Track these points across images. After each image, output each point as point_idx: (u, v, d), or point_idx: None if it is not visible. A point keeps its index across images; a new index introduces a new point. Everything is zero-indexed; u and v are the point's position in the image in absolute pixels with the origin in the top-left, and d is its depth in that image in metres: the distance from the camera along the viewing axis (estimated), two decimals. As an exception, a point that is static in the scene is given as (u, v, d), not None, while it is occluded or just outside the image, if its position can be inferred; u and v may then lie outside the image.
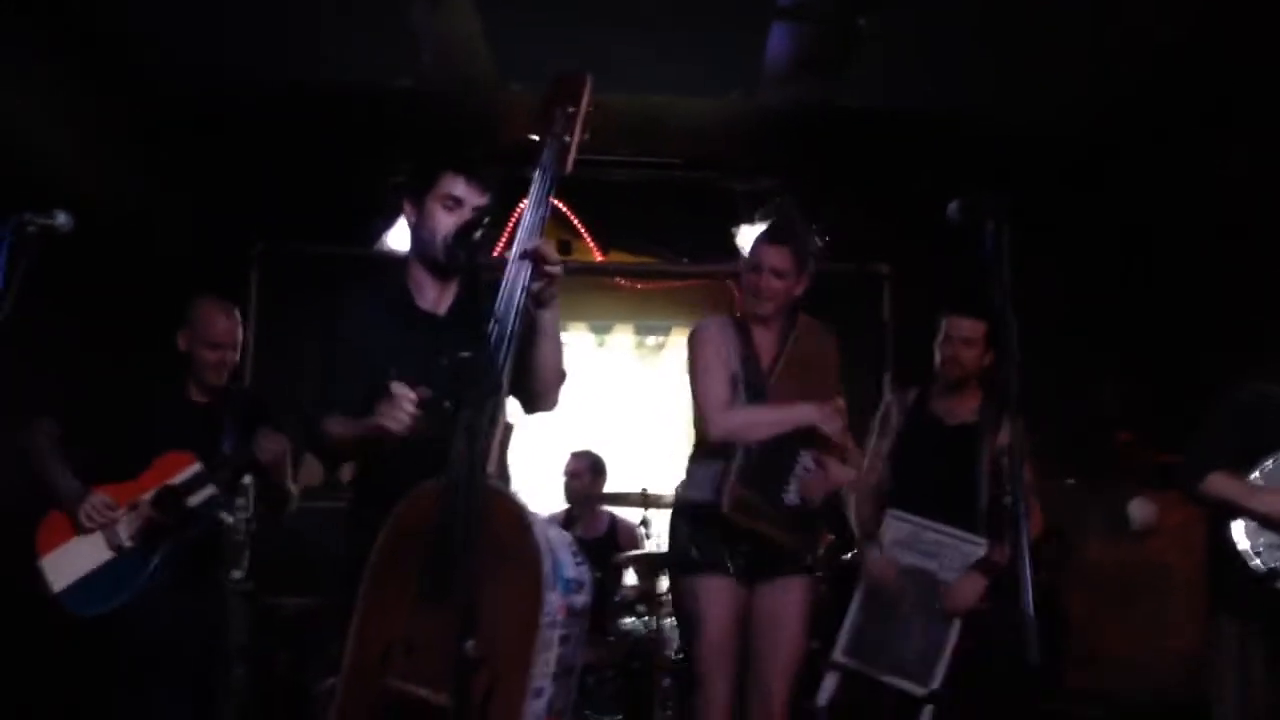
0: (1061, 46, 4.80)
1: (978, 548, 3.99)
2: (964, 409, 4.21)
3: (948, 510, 3.98)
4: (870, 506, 4.24)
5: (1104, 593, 5.05)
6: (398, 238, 5.85)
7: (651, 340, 7.09)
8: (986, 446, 4.11)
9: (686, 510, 3.69)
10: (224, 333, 4.14)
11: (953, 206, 2.97)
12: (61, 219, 2.85)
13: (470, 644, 2.28)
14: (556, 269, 2.76)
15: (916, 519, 4.07)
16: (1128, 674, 5.20)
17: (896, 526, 4.11)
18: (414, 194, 3.04)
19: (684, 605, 3.69)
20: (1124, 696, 5.13)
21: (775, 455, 3.61)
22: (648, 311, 7.02)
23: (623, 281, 6.88)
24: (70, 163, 5.17)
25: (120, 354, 5.35)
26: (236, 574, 5.22)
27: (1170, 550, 5.42)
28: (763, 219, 6.11)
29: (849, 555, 5.22)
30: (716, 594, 3.59)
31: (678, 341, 7.02)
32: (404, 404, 2.70)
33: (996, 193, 2.90)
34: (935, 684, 3.84)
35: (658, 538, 5.55)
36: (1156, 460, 5.47)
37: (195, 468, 3.98)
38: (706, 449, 3.67)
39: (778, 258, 3.67)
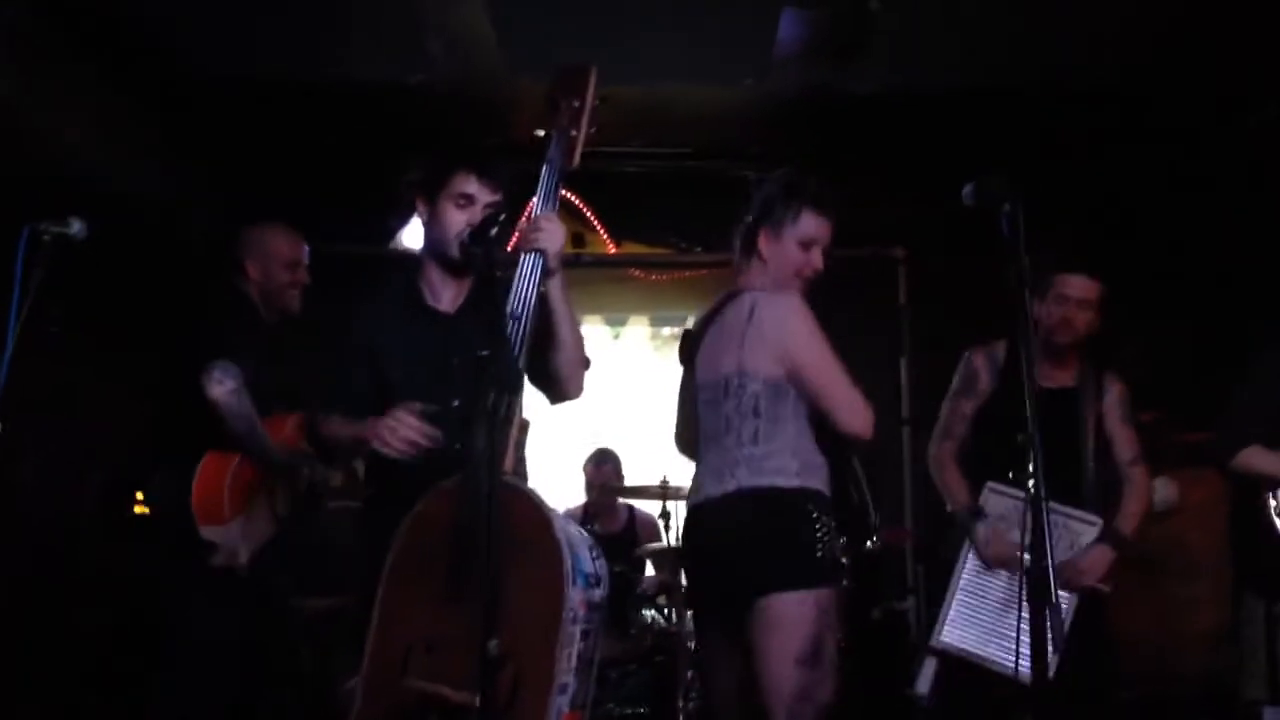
0: (1074, 15, 4.74)
1: (1089, 526, 3.76)
2: (1062, 373, 3.98)
3: (1049, 482, 3.67)
4: (956, 471, 4.01)
5: (1126, 572, 5.01)
6: (413, 236, 5.84)
7: (667, 331, 7.07)
8: (1089, 414, 3.93)
9: (822, 503, 3.13)
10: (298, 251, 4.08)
11: (967, 190, 2.94)
12: (76, 227, 2.86)
13: (494, 643, 2.28)
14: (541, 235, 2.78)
15: (1019, 492, 3.60)
16: (1150, 653, 5.17)
17: (997, 501, 3.78)
18: (426, 192, 3.05)
19: (831, 623, 3.08)
20: (1147, 675, 5.10)
21: None
22: (663, 303, 7.00)
23: (637, 273, 6.86)
24: (87, 162, 5.18)
25: (138, 354, 5.42)
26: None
27: (1192, 529, 5.39)
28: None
29: (872, 544, 5.21)
30: None
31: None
32: (404, 430, 2.68)
33: (1011, 173, 2.88)
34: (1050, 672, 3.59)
35: (676, 529, 5.55)
36: (1180, 440, 5.43)
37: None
38: (807, 441, 3.18)
39: (828, 233, 3.35)
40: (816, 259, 3.30)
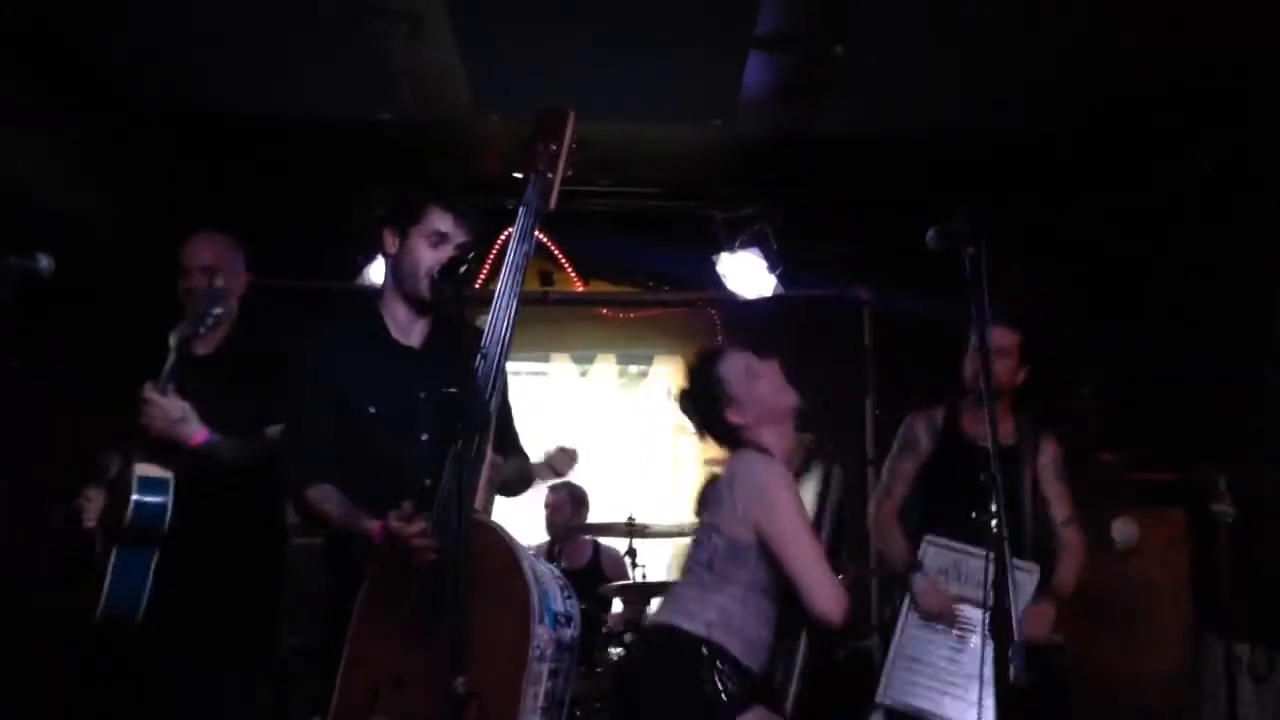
0: (1035, 64, 4.83)
1: (1029, 574, 3.79)
2: (1000, 430, 3.92)
3: (990, 536, 3.51)
4: (898, 531, 4.07)
5: (1087, 612, 5.05)
6: (379, 271, 5.85)
7: (634, 369, 7.10)
8: (1028, 468, 4.00)
9: (723, 656, 3.01)
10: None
11: (931, 233, 2.98)
12: (44, 262, 2.85)
13: (460, 680, 2.28)
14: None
15: (958, 545, 3.82)
16: (1110, 693, 5.19)
17: (937, 554, 3.85)
18: (397, 226, 3.04)
19: None
20: (1108, 716, 5.12)
21: None
22: (630, 341, 7.03)
23: (605, 311, 6.89)
24: (47, 195, 5.16)
25: (94, 386, 5.38)
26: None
27: (1152, 569, 5.43)
28: (743, 246, 6.15)
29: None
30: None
31: (660, 370, 7.03)
32: (421, 540, 2.57)
33: (973, 217, 2.92)
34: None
35: (644, 567, 5.54)
36: (1138, 479, 5.49)
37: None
38: (747, 614, 3.06)
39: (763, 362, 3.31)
40: (772, 389, 3.23)
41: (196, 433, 3.20)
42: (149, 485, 3.20)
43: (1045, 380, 4.16)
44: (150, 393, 3.16)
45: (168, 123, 5.32)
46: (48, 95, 4.96)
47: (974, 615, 3.67)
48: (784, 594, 3.09)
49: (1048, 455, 4.13)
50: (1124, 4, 4.35)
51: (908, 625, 3.83)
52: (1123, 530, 5.45)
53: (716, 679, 2.95)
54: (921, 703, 3.71)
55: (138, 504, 3.18)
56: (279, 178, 5.89)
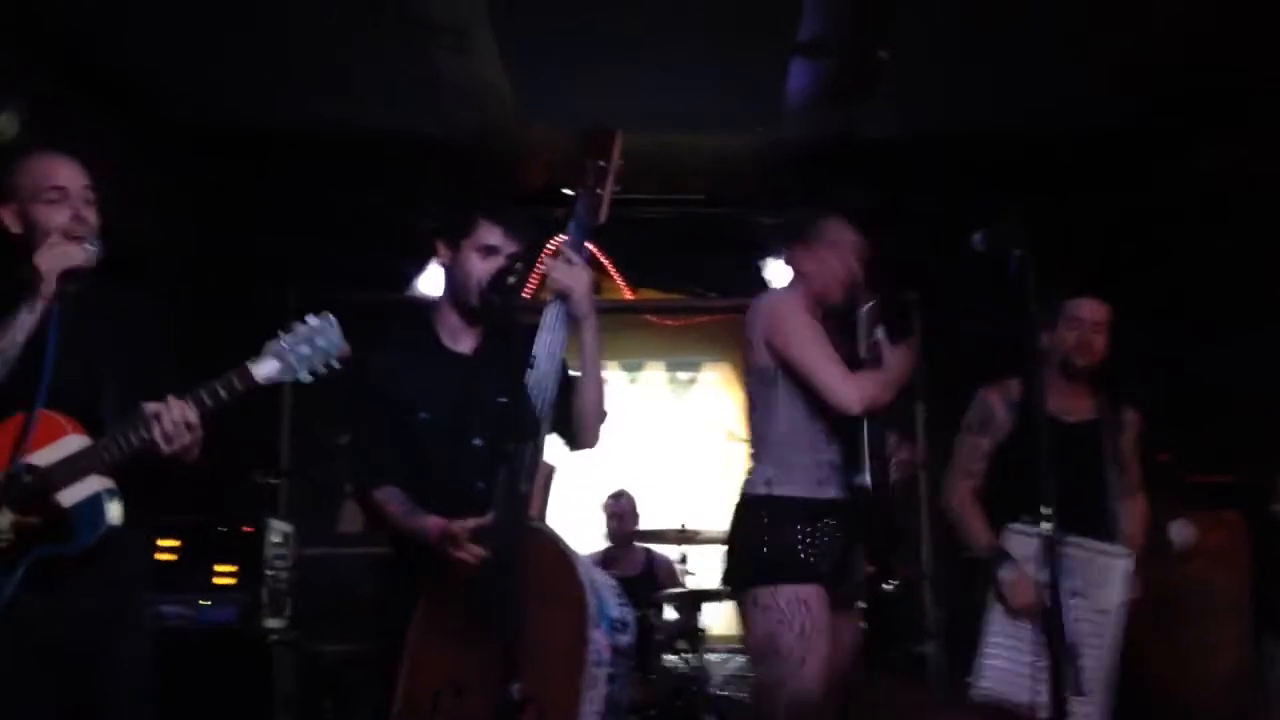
0: (1076, 64, 4.81)
1: (1119, 558, 3.65)
2: (1081, 405, 3.92)
3: (1074, 517, 3.24)
4: (978, 513, 3.90)
5: (1146, 615, 5.00)
6: (430, 282, 5.90)
7: (683, 376, 7.12)
8: (1111, 445, 3.88)
9: (790, 507, 3.29)
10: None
11: (977, 236, 2.98)
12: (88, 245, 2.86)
13: (516, 686, 2.31)
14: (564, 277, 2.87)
15: (1045, 530, 3.73)
16: (1172, 695, 5.14)
17: (1023, 542, 3.62)
18: (449, 237, 3.10)
19: (785, 618, 3.20)
20: (1168, 719, 5.07)
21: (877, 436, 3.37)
22: (678, 348, 7.06)
23: (653, 319, 6.92)
24: (104, 214, 5.24)
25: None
26: (279, 623, 5.25)
27: (1211, 571, 5.37)
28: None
29: (890, 585, 5.21)
30: (824, 607, 3.25)
31: (709, 377, 7.05)
32: (471, 548, 2.60)
33: (1019, 219, 2.92)
34: (1099, 716, 3.39)
35: (697, 574, 5.56)
36: (1192, 481, 5.43)
37: (73, 442, 2.62)
38: (798, 437, 3.35)
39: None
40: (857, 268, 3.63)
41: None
42: (114, 498, 2.62)
43: (1115, 358, 4.09)
44: (191, 415, 2.57)
45: (220, 142, 5.41)
46: (103, 114, 5.05)
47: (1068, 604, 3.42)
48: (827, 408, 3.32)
49: (1132, 430, 4.02)
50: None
51: (997, 615, 3.68)
52: (1180, 532, 5.38)
53: (766, 543, 3.26)
54: (1015, 695, 3.57)
55: (110, 528, 2.60)
56: (331, 193, 5.98)
